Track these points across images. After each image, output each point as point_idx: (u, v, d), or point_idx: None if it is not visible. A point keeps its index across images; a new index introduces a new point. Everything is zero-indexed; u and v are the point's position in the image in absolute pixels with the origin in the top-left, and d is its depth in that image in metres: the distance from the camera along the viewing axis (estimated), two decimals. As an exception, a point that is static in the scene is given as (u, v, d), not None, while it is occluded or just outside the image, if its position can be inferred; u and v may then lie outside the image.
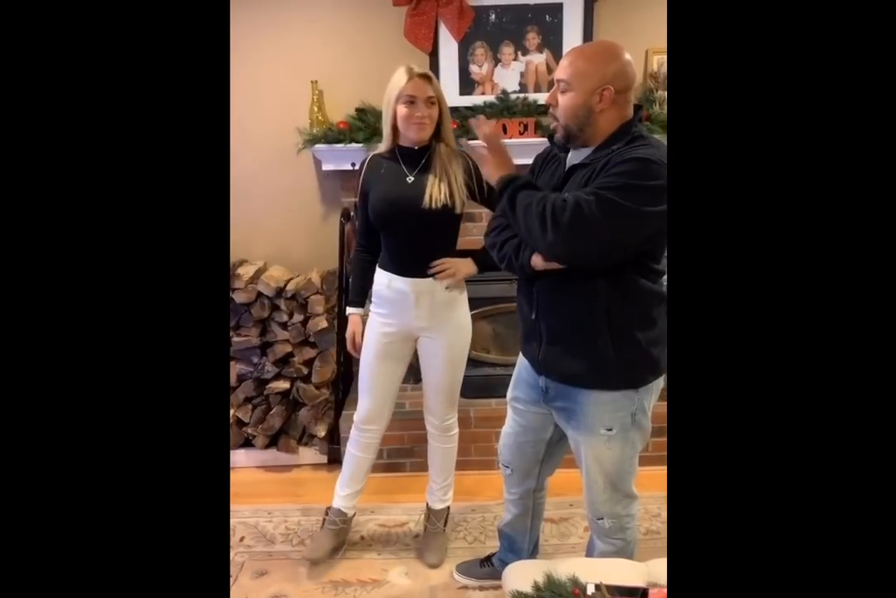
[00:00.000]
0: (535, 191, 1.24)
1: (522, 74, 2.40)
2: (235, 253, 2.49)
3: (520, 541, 1.69)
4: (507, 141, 2.27)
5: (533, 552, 1.73)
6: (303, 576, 1.84)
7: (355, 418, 1.85)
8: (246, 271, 2.36)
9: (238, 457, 2.46)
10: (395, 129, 1.62)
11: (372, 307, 1.77)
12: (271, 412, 2.40)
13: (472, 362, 2.51)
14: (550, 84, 2.40)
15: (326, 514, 1.92)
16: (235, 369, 2.38)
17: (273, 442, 2.44)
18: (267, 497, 2.24)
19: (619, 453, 1.36)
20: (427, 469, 1.98)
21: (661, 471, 1.04)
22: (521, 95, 2.35)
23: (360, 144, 2.30)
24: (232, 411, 2.40)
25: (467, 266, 1.70)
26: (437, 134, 1.64)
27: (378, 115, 2.33)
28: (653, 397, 1.37)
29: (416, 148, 1.64)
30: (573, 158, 1.31)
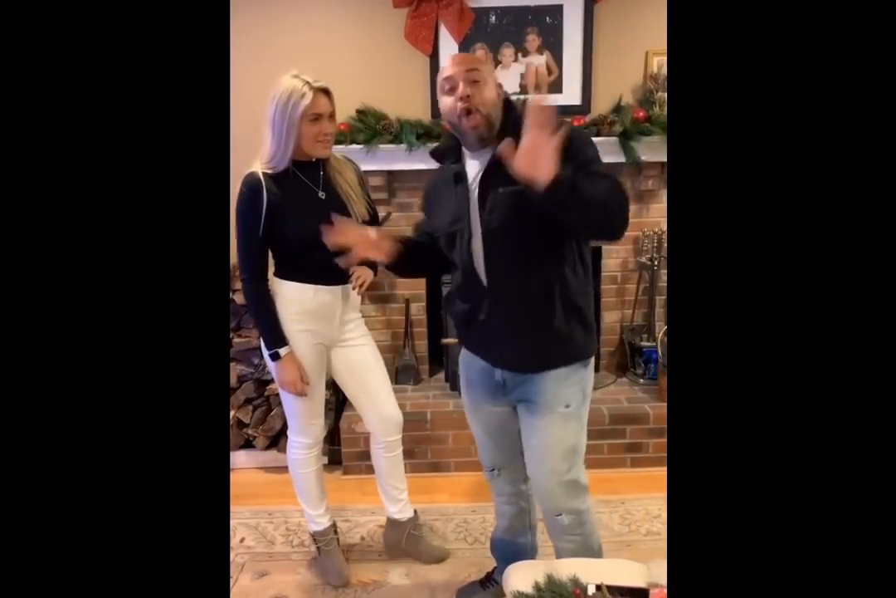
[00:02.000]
0: (586, 180, 1.12)
1: (522, 76, 2.41)
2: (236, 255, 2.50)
3: (522, 544, 1.63)
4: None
5: (533, 556, 1.68)
6: (303, 577, 1.85)
7: (306, 440, 1.78)
8: (246, 272, 2.36)
9: (238, 458, 2.46)
10: (294, 147, 1.53)
11: (293, 327, 1.64)
12: (272, 413, 2.40)
13: (473, 363, 2.52)
14: (551, 85, 2.41)
15: (315, 541, 1.87)
16: (236, 370, 2.38)
17: (273, 443, 2.45)
18: (267, 498, 2.25)
19: (574, 432, 1.37)
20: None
21: (661, 472, 1.04)
22: (521, 97, 2.35)
23: (361, 146, 2.30)
24: (232, 413, 2.40)
25: (369, 272, 1.74)
26: None
27: (379, 116, 2.34)
28: (591, 372, 1.41)
29: (314, 160, 1.59)
30: (477, 163, 1.27)
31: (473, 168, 1.30)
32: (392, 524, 1.91)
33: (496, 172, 1.21)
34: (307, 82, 1.50)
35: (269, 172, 1.57)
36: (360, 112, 2.35)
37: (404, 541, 1.89)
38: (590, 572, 1.11)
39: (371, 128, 2.31)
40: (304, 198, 1.58)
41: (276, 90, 1.51)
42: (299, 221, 1.56)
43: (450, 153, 1.35)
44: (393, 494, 1.88)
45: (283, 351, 1.62)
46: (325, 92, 1.52)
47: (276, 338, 1.62)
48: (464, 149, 1.31)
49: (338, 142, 2.29)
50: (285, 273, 1.65)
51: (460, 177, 1.32)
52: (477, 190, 1.28)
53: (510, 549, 1.64)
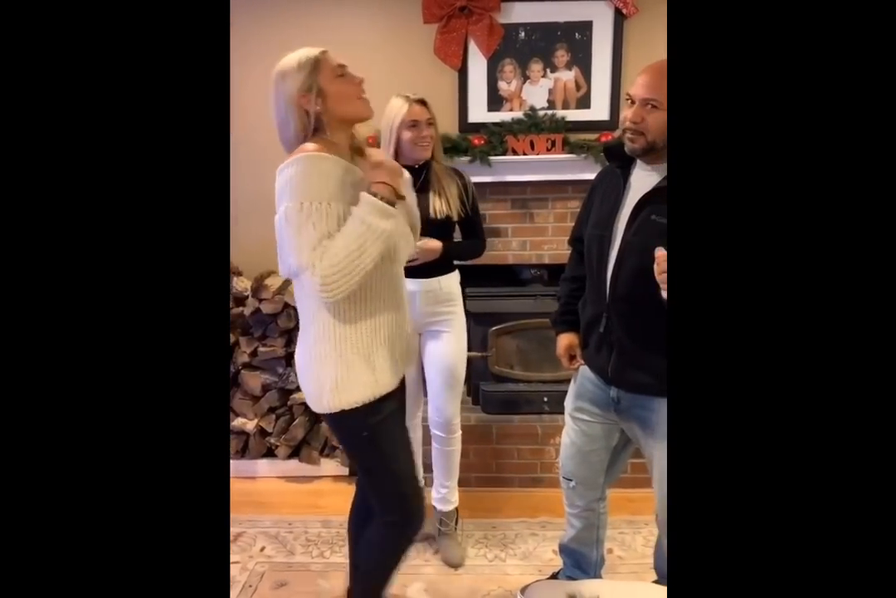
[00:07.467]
0: None
1: (551, 91, 2.41)
2: (264, 264, 2.53)
3: (588, 554, 1.65)
4: (534, 157, 2.30)
5: (600, 565, 1.70)
6: (322, 588, 1.84)
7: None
8: (273, 283, 2.39)
9: (260, 467, 2.47)
10: (395, 152, 1.76)
11: None
12: (294, 423, 2.42)
13: (496, 378, 2.50)
14: (578, 101, 2.42)
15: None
16: (261, 378, 2.40)
17: (295, 453, 2.46)
18: (288, 508, 2.25)
19: None
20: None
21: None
22: (549, 112, 2.36)
23: (389, 159, 2.33)
24: (255, 421, 2.42)
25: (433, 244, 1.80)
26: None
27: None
28: None
29: (416, 166, 1.78)
30: (644, 177, 1.30)
31: (639, 179, 1.32)
32: (433, 507, 2.04)
33: (656, 199, 1.25)
34: (406, 96, 1.76)
35: None
36: (388, 126, 2.37)
37: (436, 535, 2.02)
38: (613, 594, 1.09)
39: (399, 141, 2.33)
40: None
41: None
42: None
43: (620, 156, 1.34)
44: (436, 485, 2.03)
45: None
46: (422, 102, 1.77)
47: None
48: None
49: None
50: None
51: (623, 182, 1.34)
52: (633, 205, 1.29)
53: (574, 557, 1.68)
